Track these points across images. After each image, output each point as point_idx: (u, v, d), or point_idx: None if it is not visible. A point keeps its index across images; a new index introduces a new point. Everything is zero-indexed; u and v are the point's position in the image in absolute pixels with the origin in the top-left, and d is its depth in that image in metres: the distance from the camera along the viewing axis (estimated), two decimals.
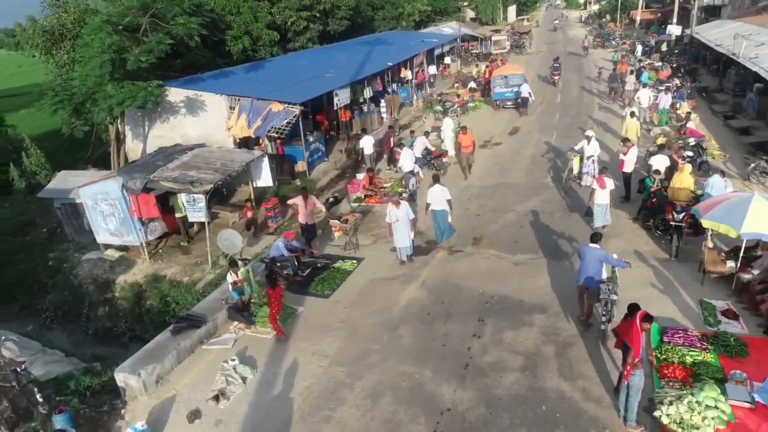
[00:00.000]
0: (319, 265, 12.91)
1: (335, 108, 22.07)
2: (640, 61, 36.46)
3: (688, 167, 13.07)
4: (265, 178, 16.45)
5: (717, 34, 32.84)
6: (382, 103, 26.94)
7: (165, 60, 18.86)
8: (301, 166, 19.68)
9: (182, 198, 14.36)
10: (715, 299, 10.42)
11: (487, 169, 18.86)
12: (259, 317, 10.76)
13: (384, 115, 26.97)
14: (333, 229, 14.07)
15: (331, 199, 17.40)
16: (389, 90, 28.69)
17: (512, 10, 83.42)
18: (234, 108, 18.75)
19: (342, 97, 21.74)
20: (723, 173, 12.98)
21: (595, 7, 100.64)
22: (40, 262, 16.41)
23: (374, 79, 25.98)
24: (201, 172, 14.22)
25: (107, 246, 15.78)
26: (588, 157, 15.86)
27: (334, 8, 31.73)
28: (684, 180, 12.91)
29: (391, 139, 18.69)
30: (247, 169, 15.66)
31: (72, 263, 16.04)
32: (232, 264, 10.87)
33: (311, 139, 20.28)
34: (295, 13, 28.52)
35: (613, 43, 49.92)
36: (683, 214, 11.86)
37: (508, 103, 27.51)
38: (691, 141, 16.66)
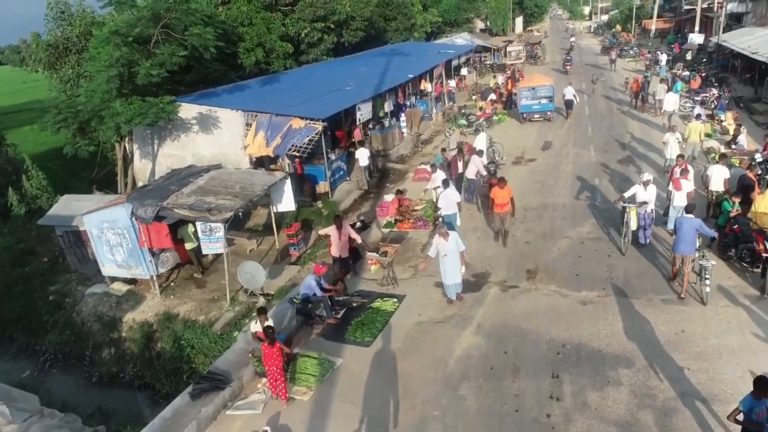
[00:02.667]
0: (354, 304, 11.34)
1: (358, 123, 20.60)
2: (669, 69, 35.13)
3: None
4: (286, 203, 14.94)
5: (749, 42, 31.42)
6: (403, 117, 25.53)
7: (175, 74, 17.52)
8: (322, 186, 18.17)
9: (196, 227, 12.87)
10: None
11: (528, 188, 17.29)
12: (291, 373, 9.18)
13: (404, 130, 25.53)
14: (369, 262, 12.51)
15: (358, 224, 15.83)
16: (408, 103, 27.30)
17: (519, 21, 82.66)
18: (251, 125, 17.32)
19: (364, 112, 20.31)
20: None
21: (604, 17, 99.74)
22: (39, 297, 14.87)
23: (394, 92, 24.57)
24: (219, 197, 12.71)
25: (114, 279, 14.26)
26: (642, 204, 12.26)
27: (349, 19, 30.50)
28: None
29: (459, 164, 16.54)
30: (268, 192, 14.15)
31: (75, 298, 14.49)
32: (261, 311, 9.31)
33: (333, 157, 18.80)
34: (309, 25, 27.19)
35: (631, 52, 48.57)
36: None
37: (536, 116, 26.04)
38: (758, 157, 15.08)
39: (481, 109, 27.76)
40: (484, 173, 16.08)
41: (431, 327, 10.46)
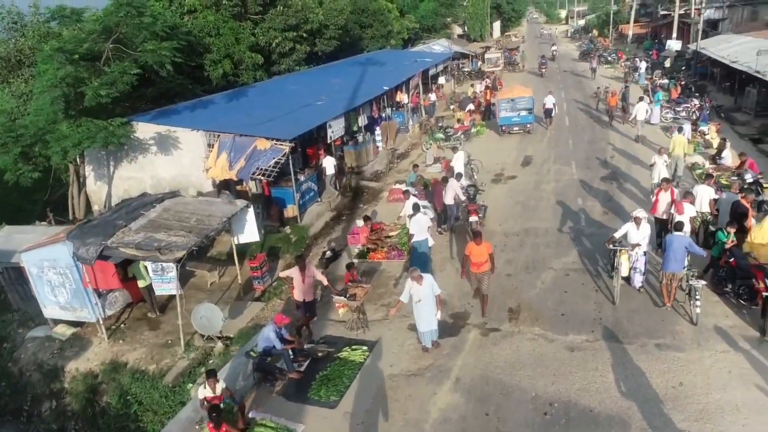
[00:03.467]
0: (320, 354, 10.23)
1: (329, 140, 19.50)
2: (647, 77, 34.73)
3: None
4: (249, 233, 13.72)
5: (728, 50, 31.07)
6: (378, 131, 24.50)
7: (133, 89, 16.28)
8: (291, 210, 17.02)
9: (147, 264, 11.67)
10: None
11: (508, 210, 16.36)
12: None
13: (379, 144, 24.51)
14: (336, 306, 11.40)
15: (328, 253, 14.76)
16: (384, 116, 26.30)
17: (497, 25, 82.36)
18: (213, 145, 16.16)
19: (336, 129, 19.22)
20: None
21: (580, 22, 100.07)
22: None
23: (369, 105, 23.53)
24: (171, 234, 11.50)
25: (57, 321, 12.94)
26: (635, 247, 10.91)
27: (323, 28, 29.40)
28: (766, 233, 10.54)
29: (444, 194, 14.96)
30: (228, 224, 12.96)
31: (14, 342, 13.14)
32: (210, 374, 8.16)
33: (302, 178, 17.66)
34: (280, 34, 26.04)
35: (609, 59, 48.19)
36: None
37: (515, 128, 25.23)
38: (748, 177, 14.36)
39: (459, 120, 26.87)
40: (463, 198, 15.08)
41: (405, 382, 9.40)
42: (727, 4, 41.22)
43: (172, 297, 13.32)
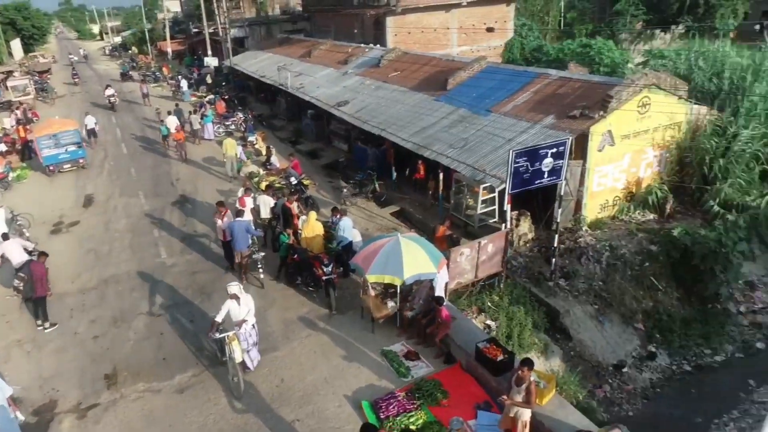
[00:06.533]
0: None
1: None
2: (192, 93, 36.41)
3: (313, 214, 12.84)
4: None
5: (256, 65, 35.40)
6: None
7: None
8: None
9: None
10: (392, 344, 10.42)
11: (80, 262, 14.54)
12: None
13: None
14: None
15: None
16: None
17: (16, 44, 71.37)
18: None
19: None
20: (346, 212, 13.28)
21: (117, 38, 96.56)
22: None
23: None
24: None
25: None
26: (241, 324, 9.47)
27: None
28: (315, 228, 12.64)
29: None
30: None
31: None
32: None
33: None
34: None
35: (156, 76, 48.09)
36: (331, 265, 11.54)
37: (66, 165, 22.56)
38: (293, 180, 16.80)
39: None
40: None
41: None
42: (247, 24, 46.74)
43: None
